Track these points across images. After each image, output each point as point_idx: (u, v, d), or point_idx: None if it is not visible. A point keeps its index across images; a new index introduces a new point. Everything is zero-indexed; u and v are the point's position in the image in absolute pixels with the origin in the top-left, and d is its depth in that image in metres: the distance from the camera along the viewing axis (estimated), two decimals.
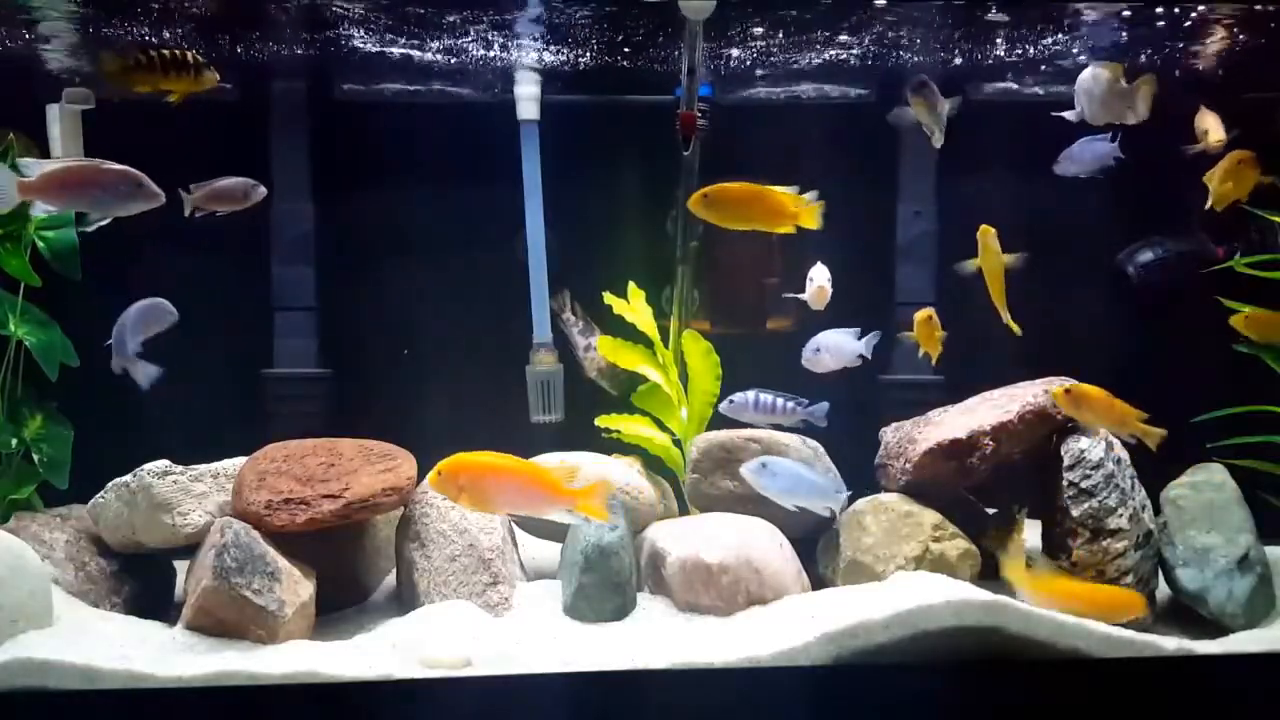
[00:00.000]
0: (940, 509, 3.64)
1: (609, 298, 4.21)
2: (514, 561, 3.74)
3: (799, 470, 3.58)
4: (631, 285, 4.21)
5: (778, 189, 3.49)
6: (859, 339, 3.85)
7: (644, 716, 3.08)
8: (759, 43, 4.21)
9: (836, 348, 3.87)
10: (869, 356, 3.87)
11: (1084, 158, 3.89)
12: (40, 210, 3.38)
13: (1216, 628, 3.43)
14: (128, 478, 3.54)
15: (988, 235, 3.67)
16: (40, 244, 3.89)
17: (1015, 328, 3.71)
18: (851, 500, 3.78)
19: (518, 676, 3.02)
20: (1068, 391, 3.45)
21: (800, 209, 3.48)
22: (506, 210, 4.52)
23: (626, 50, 4.29)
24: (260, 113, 4.57)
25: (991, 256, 3.66)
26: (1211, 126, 3.87)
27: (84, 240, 3.97)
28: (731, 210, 3.50)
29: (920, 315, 3.83)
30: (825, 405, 3.86)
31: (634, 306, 4.22)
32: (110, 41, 4.01)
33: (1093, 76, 3.66)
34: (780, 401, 3.83)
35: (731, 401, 3.88)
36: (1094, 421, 3.52)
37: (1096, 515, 3.45)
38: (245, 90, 4.52)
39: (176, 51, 3.37)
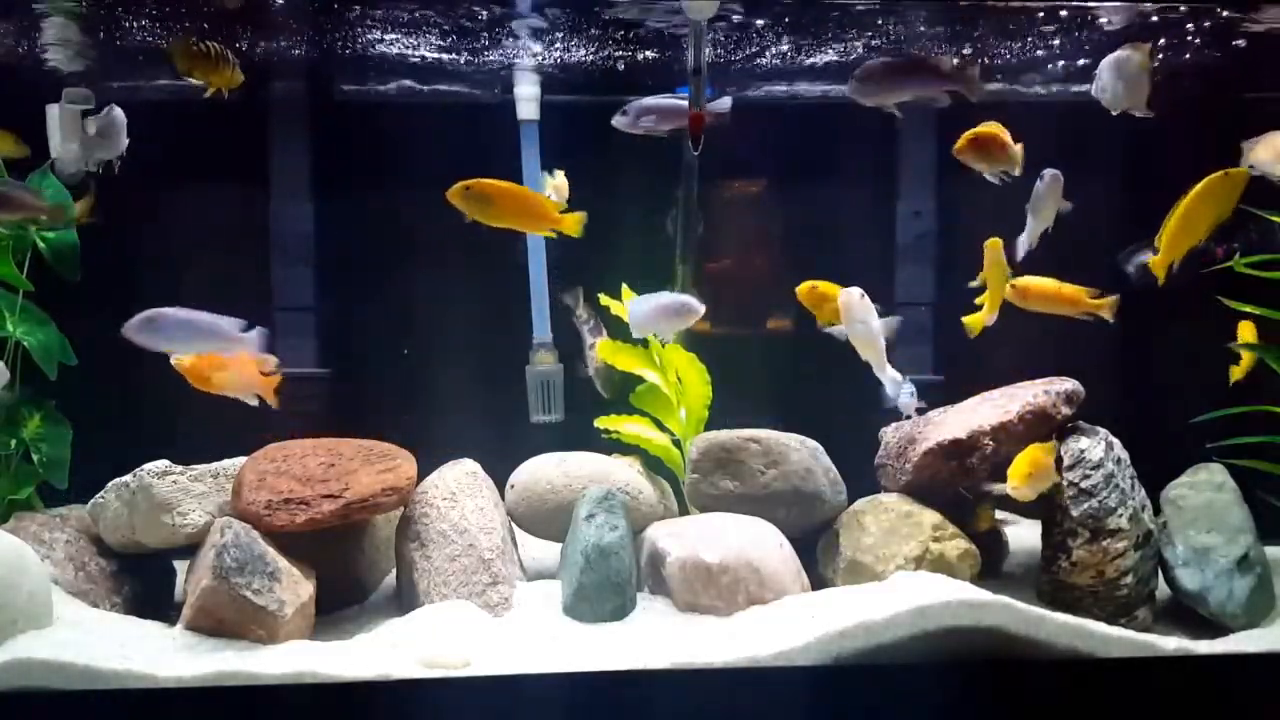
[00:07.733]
0: (940, 509, 3.64)
1: (605, 299, 4.21)
2: (514, 561, 3.74)
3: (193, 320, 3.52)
4: (625, 289, 4.21)
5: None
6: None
7: (644, 716, 3.08)
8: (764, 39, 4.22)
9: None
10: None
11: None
12: None
13: (1216, 628, 3.43)
14: (128, 478, 3.54)
15: (994, 249, 3.65)
16: (41, 245, 3.90)
17: (980, 325, 3.76)
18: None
19: (517, 676, 3.02)
20: (1013, 287, 3.58)
21: (563, 217, 3.61)
22: None
23: (626, 49, 4.29)
24: (260, 112, 4.56)
25: (996, 270, 3.65)
26: None
27: (86, 242, 3.97)
28: (495, 208, 3.56)
29: None
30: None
31: None
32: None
33: (1124, 59, 3.48)
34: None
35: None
36: (1045, 308, 3.56)
37: (1096, 515, 3.45)
38: (246, 90, 4.52)
39: (221, 48, 3.61)
